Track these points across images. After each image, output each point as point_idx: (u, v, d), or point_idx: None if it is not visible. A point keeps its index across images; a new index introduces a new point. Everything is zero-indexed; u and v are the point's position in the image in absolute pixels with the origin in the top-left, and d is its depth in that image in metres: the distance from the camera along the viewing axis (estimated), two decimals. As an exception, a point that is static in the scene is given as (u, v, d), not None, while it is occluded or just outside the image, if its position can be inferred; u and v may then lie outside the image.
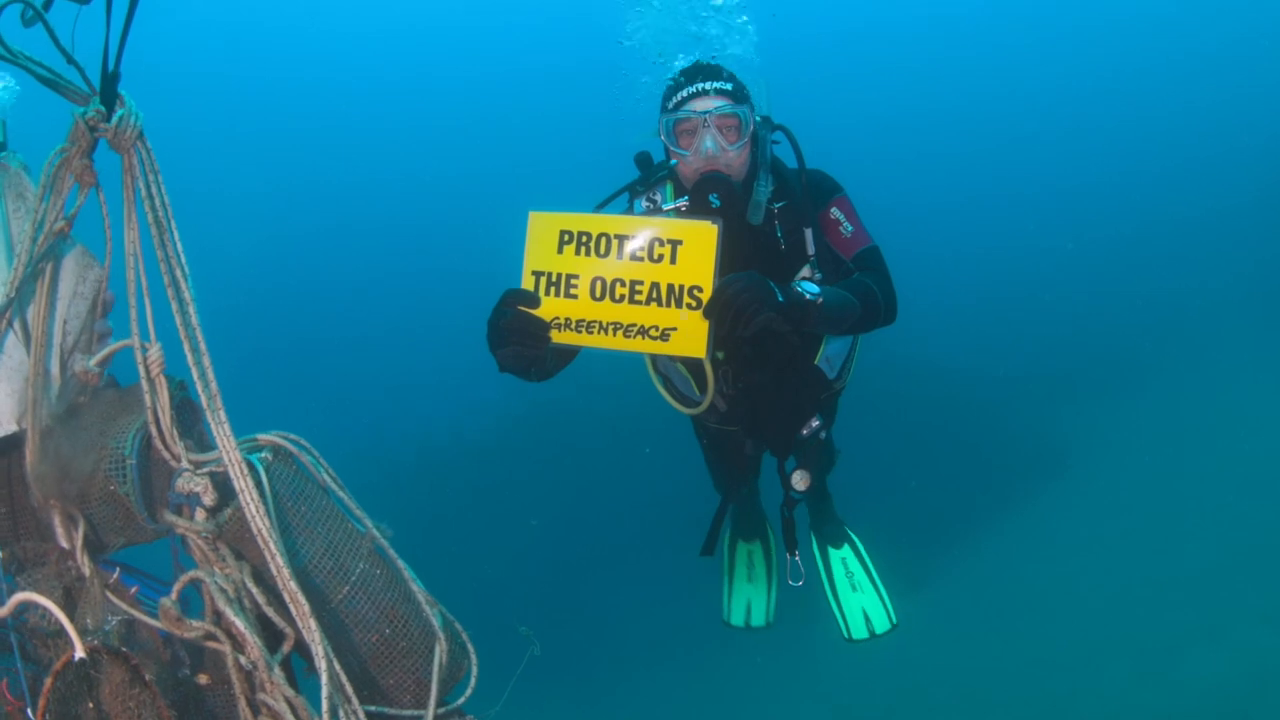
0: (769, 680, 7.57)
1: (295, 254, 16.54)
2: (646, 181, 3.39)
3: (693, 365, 3.36)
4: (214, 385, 1.72)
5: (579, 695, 7.53)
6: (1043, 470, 8.82)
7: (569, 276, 2.74)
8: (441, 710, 1.86)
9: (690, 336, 2.67)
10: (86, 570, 1.78)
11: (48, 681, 1.60)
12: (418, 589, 1.91)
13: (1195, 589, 6.41)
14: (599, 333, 2.73)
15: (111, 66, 1.91)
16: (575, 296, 2.73)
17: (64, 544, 1.80)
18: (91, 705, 1.68)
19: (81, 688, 1.66)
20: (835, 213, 3.33)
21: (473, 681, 1.92)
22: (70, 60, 1.93)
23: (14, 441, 1.83)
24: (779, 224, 3.29)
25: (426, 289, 15.39)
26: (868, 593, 4.49)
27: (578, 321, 2.73)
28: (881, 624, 4.45)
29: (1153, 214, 14.36)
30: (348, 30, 20.81)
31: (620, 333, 2.70)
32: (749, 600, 4.79)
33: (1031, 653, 6.52)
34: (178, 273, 1.75)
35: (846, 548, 4.53)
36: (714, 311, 2.65)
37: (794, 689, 7.44)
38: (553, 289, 2.75)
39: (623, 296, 2.69)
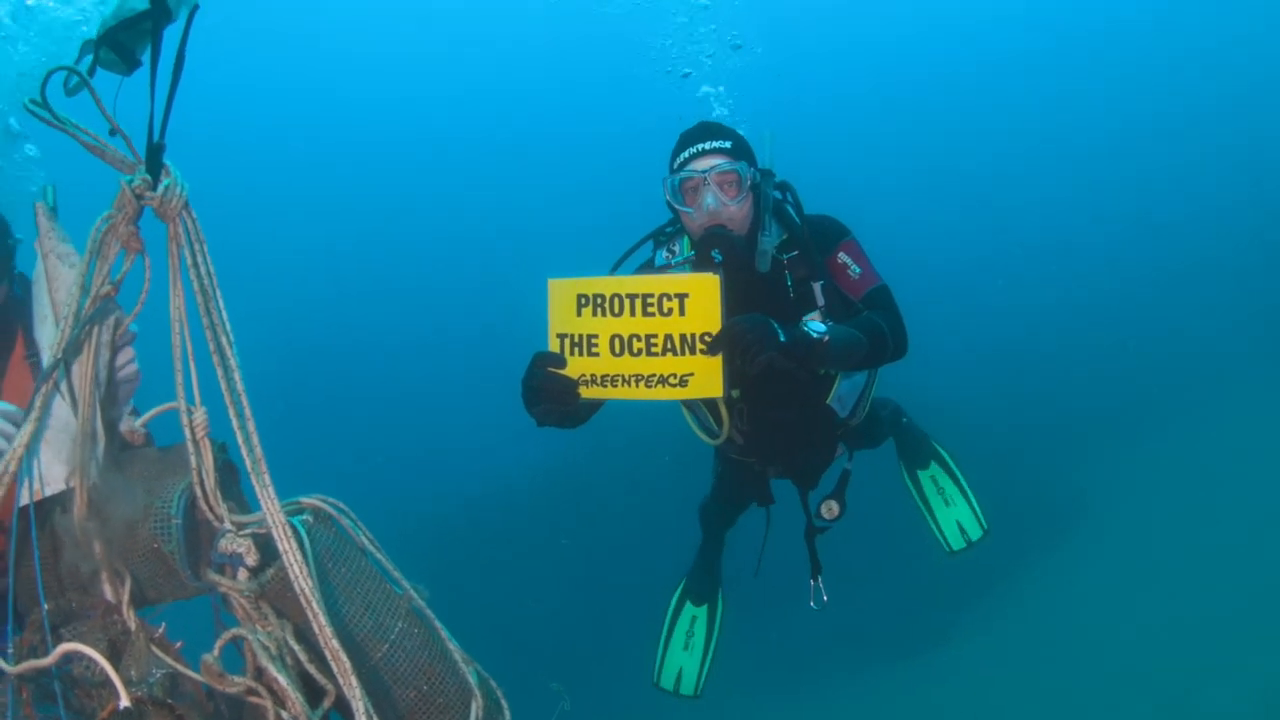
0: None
1: (326, 316, 16.84)
2: (661, 235, 3.55)
3: (709, 402, 3.48)
4: (258, 449, 1.78)
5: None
6: (1061, 515, 8.82)
7: (589, 336, 2.88)
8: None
9: (707, 379, 2.82)
10: (132, 624, 1.83)
11: (94, 735, 1.66)
12: (453, 647, 1.95)
13: (1216, 627, 6.42)
14: (623, 385, 2.87)
15: (157, 137, 1.98)
16: (597, 354, 2.88)
17: (110, 598, 1.85)
18: (137, 758, 1.73)
19: (126, 741, 1.71)
20: (843, 257, 3.42)
21: (506, 735, 1.97)
22: (116, 129, 2.00)
23: (61, 499, 1.89)
24: (789, 273, 3.38)
25: (459, 350, 15.64)
26: (960, 505, 4.67)
27: (602, 377, 2.88)
28: (975, 532, 4.66)
29: (1169, 252, 14.31)
30: (385, 99, 21.16)
31: (642, 383, 2.85)
32: (681, 667, 4.80)
33: (1054, 694, 6.52)
34: (223, 339, 1.81)
35: (934, 465, 4.66)
36: (719, 349, 2.79)
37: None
38: (576, 349, 2.89)
39: (640, 350, 2.84)
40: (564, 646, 9.06)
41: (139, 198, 1.87)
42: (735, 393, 3.46)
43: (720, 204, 3.20)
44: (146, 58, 2.12)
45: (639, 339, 2.84)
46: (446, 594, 2.00)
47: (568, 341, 2.91)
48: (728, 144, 3.29)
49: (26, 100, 2.05)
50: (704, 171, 3.21)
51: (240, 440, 1.77)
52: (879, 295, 3.40)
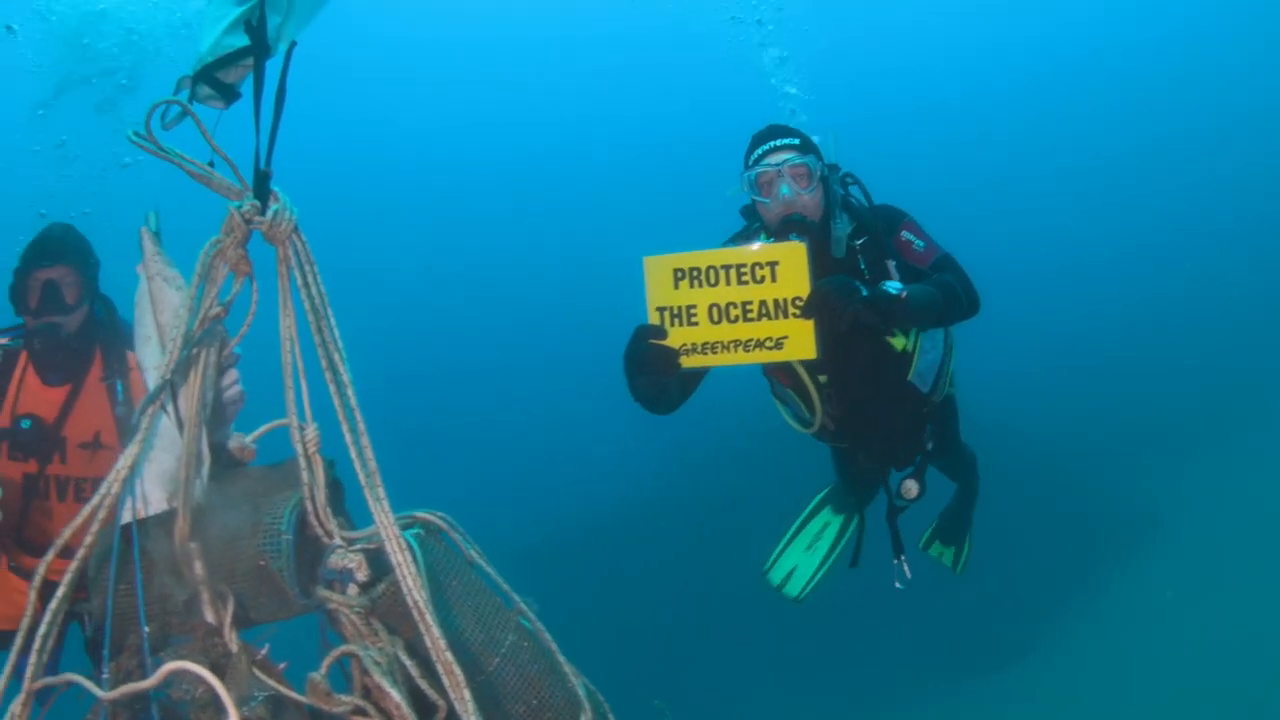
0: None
1: (427, 333, 17.21)
2: (746, 232, 3.82)
3: (800, 389, 3.75)
4: (372, 464, 1.79)
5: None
6: (1133, 525, 8.81)
7: (688, 307, 3.13)
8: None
9: (800, 340, 3.05)
10: (233, 646, 1.82)
11: (205, 754, 1.63)
12: (562, 660, 1.95)
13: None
14: (722, 351, 3.11)
15: (263, 164, 2.04)
16: (696, 323, 3.13)
17: (211, 620, 1.84)
18: (244, 778, 1.71)
19: (234, 761, 1.69)
20: (905, 235, 3.70)
21: (612, 752, 1.95)
22: (223, 157, 2.06)
23: (164, 519, 1.89)
24: (862, 258, 3.63)
25: (560, 367, 15.94)
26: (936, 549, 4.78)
27: (703, 345, 3.13)
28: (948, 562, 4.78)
29: (1241, 259, 14.26)
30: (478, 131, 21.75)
31: (740, 348, 3.11)
32: (796, 566, 4.77)
33: (1133, 710, 6.47)
34: (335, 356, 1.83)
35: (952, 550, 4.73)
36: (810, 310, 3.03)
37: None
38: (676, 320, 3.15)
39: (737, 317, 3.09)
40: (667, 663, 9.11)
41: (248, 222, 1.92)
42: (823, 378, 3.71)
43: (795, 193, 3.49)
44: (245, 90, 2.20)
45: (735, 306, 3.08)
46: (552, 607, 2.00)
47: (667, 314, 3.15)
48: (796, 140, 3.61)
49: (130, 132, 2.11)
50: (778, 164, 3.53)
51: (354, 455, 1.79)
52: (945, 261, 3.68)
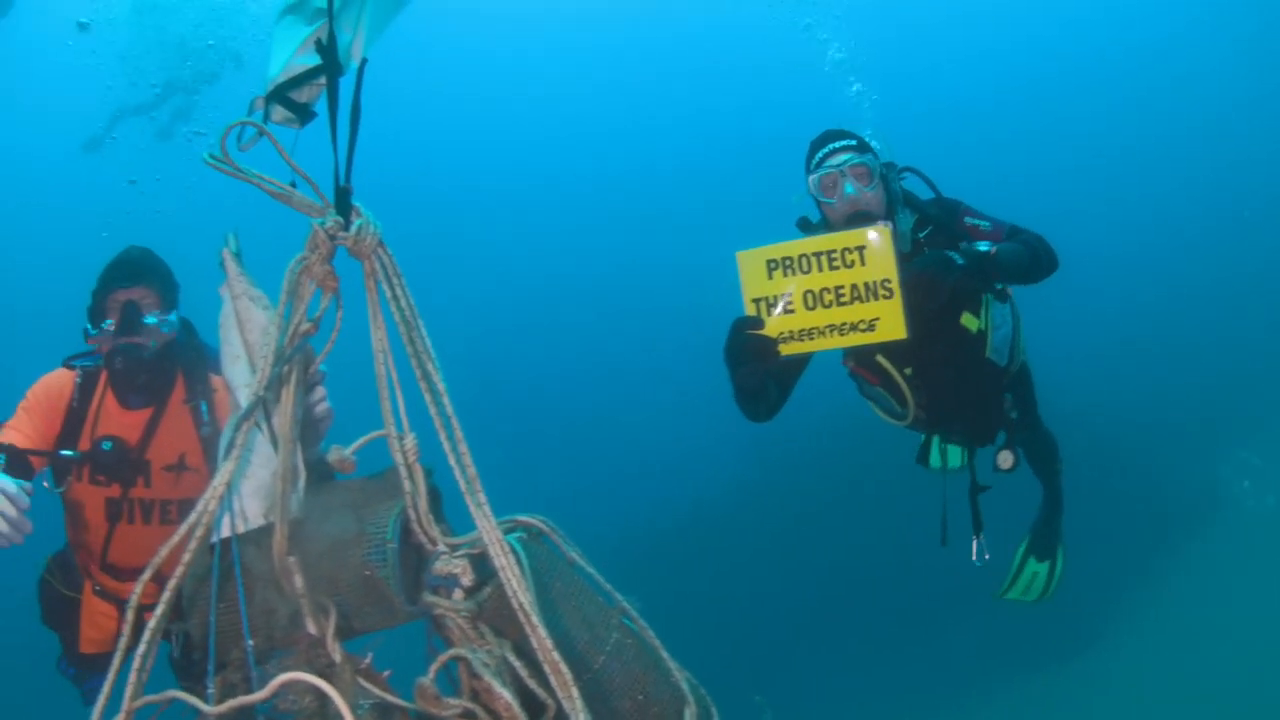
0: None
1: (512, 341, 17.54)
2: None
3: (890, 385, 3.90)
4: (472, 470, 1.81)
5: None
6: (1195, 511, 8.81)
7: (783, 295, 3.23)
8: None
9: (891, 321, 3.14)
10: (337, 657, 1.83)
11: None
12: (666, 655, 1.96)
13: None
14: (819, 336, 3.22)
15: (343, 181, 2.07)
16: (792, 311, 3.23)
17: (313, 632, 1.86)
18: (355, 787, 1.72)
19: (347, 769, 1.70)
20: (969, 220, 3.80)
21: (716, 746, 1.96)
22: (303, 176, 2.08)
23: (262, 535, 1.91)
24: (928, 249, 3.69)
25: (650, 368, 16.20)
26: (1033, 597, 4.73)
27: (800, 331, 3.23)
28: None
29: None
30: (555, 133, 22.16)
31: (835, 332, 3.20)
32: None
33: (1207, 693, 6.44)
34: (429, 365, 1.85)
35: (1046, 565, 4.67)
36: (914, 291, 3.19)
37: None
38: (772, 309, 3.24)
39: (831, 301, 3.19)
40: (765, 660, 9.24)
41: (332, 238, 1.95)
42: (908, 370, 3.84)
43: (858, 190, 3.62)
44: (319, 108, 2.24)
45: (829, 291, 3.19)
46: (652, 605, 2.01)
47: (763, 304, 3.25)
48: (853, 142, 3.75)
49: (206, 155, 2.14)
50: (839, 164, 3.66)
51: (453, 462, 1.81)
52: (1016, 229, 3.81)
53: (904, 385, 3.80)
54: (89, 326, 3.47)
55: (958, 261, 3.30)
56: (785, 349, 3.25)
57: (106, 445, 3.42)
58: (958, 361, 3.87)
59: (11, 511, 2.82)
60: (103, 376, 3.51)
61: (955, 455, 4.39)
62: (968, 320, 3.81)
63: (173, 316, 3.50)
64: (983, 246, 3.45)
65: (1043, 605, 4.76)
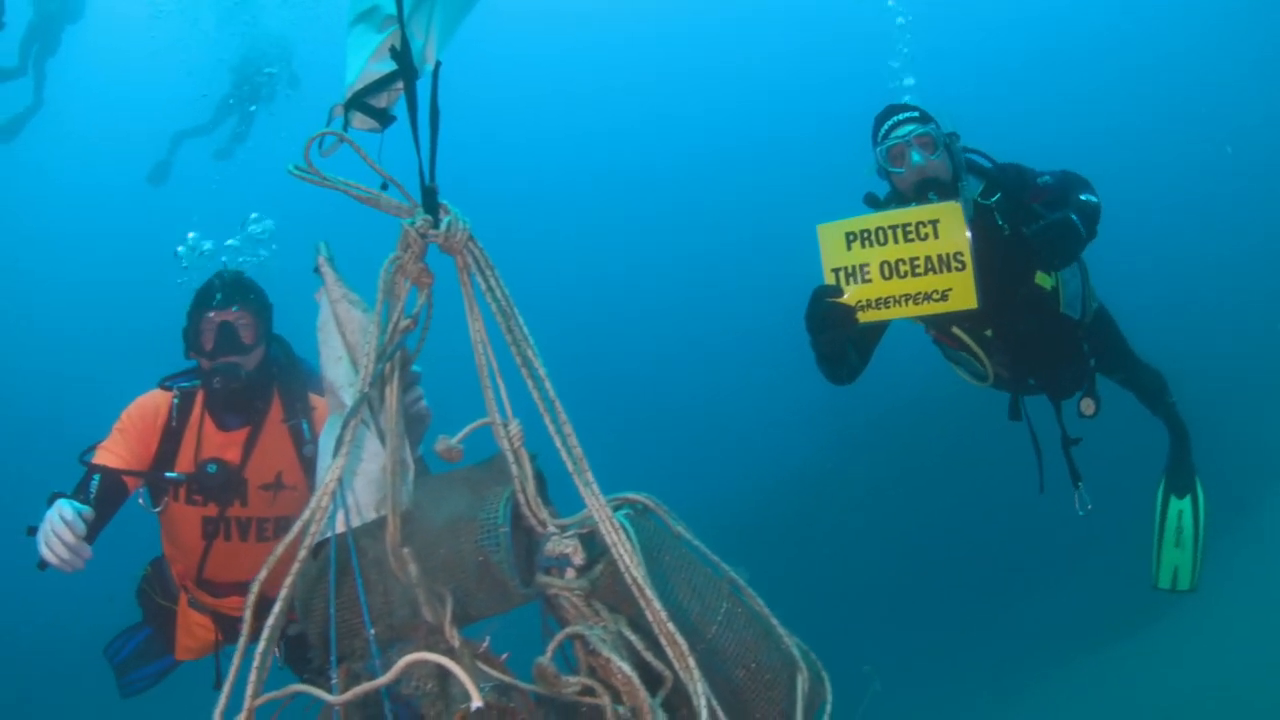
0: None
1: (601, 325, 18.15)
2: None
3: (970, 348, 4.05)
4: (578, 450, 1.85)
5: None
6: (1256, 481, 8.73)
7: (861, 266, 3.39)
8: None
9: (962, 291, 3.31)
10: (455, 642, 1.88)
11: (449, 740, 1.68)
12: (776, 623, 1.99)
13: None
14: (895, 305, 3.37)
15: (429, 181, 2.12)
16: (869, 280, 3.39)
17: (430, 619, 1.91)
18: (482, 764, 1.75)
19: (473, 747, 1.74)
20: (1037, 182, 3.94)
21: (829, 709, 1.98)
22: (389, 179, 2.14)
23: (375, 528, 1.97)
24: (998, 214, 3.88)
25: (737, 345, 16.57)
26: (1186, 552, 4.73)
27: (876, 300, 3.39)
28: (1184, 584, 4.73)
29: None
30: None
31: (910, 301, 3.36)
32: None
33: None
34: (528, 351, 1.89)
35: (1188, 501, 4.71)
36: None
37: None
38: (851, 279, 3.41)
39: (906, 272, 3.35)
40: (870, 628, 9.39)
41: (423, 236, 2.00)
42: (988, 332, 4.02)
43: (925, 159, 3.79)
44: (399, 112, 2.29)
45: (904, 262, 3.36)
46: (759, 575, 2.04)
47: (842, 274, 3.42)
48: (915, 114, 3.93)
49: (291, 166, 2.21)
50: (904, 135, 3.84)
51: (559, 444, 1.85)
52: (1068, 177, 3.98)
53: (980, 350, 3.96)
54: (186, 349, 3.54)
55: (1080, 229, 3.53)
56: (863, 316, 3.41)
57: (212, 469, 3.47)
58: (1035, 320, 4.01)
59: (69, 537, 2.88)
60: (199, 397, 3.57)
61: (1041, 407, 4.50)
62: (1041, 279, 3.95)
63: (267, 337, 3.55)
64: (1089, 197, 3.68)
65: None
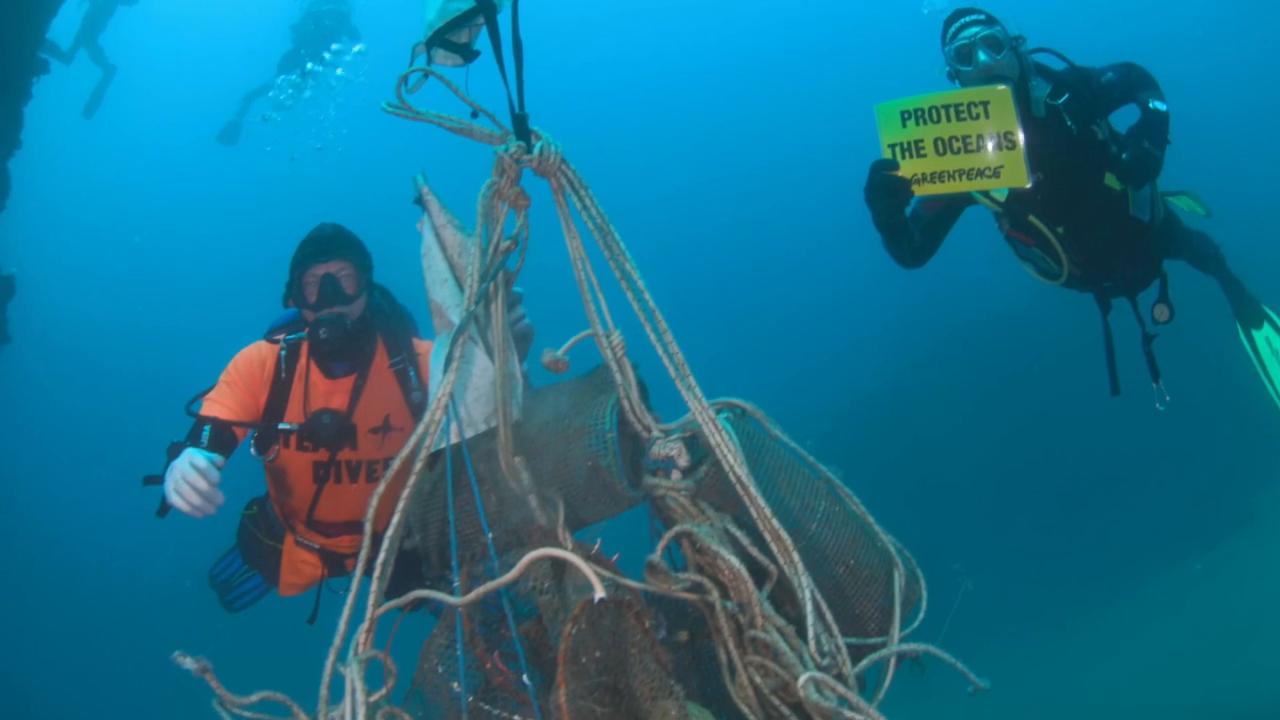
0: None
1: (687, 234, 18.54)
2: None
3: (1044, 244, 4.16)
4: (678, 356, 1.92)
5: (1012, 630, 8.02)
6: None
7: (916, 142, 3.52)
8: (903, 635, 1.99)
9: (1013, 170, 3.39)
10: (569, 544, 1.99)
11: (568, 627, 1.77)
12: (872, 521, 2.06)
13: None
14: (948, 180, 3.49)
15: (518, 109, 2.19)
16: (924, 155, 3.52)
17: (543, 523, 2.02)
18: (598, 654, 1.86)
19: (589, 638, 1.84)
20: (1104, 79, 4.02)
21: (924, 605, 2.05)
22: (480, 110, 2.22)
23: (487, 439, 2.08)
24: (1066, 115, 3.95)
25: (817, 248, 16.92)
26: None
27: (931, 174, 3.50)
28: None
29: None
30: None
31: (963, 176, 3.45)
32: None
33: None
34: (626, 265, 1.97)
35: (1266, 325, 4.81)
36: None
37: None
38: (906, 154, 3.54)
39: (959, 149, 3.46)
40: (961, 528, 9.62)
41: (517, 162, 2.08)
42: (1060, 229, 4.11)
43: (990, 58, 3.90)
44: (481, 45, 2.35)
45: (957, 139, 3.45)
46: (852, 475, 2.11)
47: (898, 149, 3.56)
48: (982, 16, 4.04)
49: (384, 104, 2.30)
50: (971, 36, 3.96)
51: (660, 351, 1.93)
52: (1131, 75, 4.05)
53: (1056, 243, 4.04)
54: (289, 301, 3.63)
55: (1159, 160, 3.69)
56: (918, 189, 3.56)
57: (326, 419, 3.57)
58: (1105, 221, 4.11)
59: (203, 484, 2.97)
60: (304, 348, 3.65)
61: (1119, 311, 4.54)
62: (1110, 181, 4.03)
63: (368, 286, 3.63)
64: (1158, 104, 3.80)
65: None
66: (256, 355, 3.67)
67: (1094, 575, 8.90)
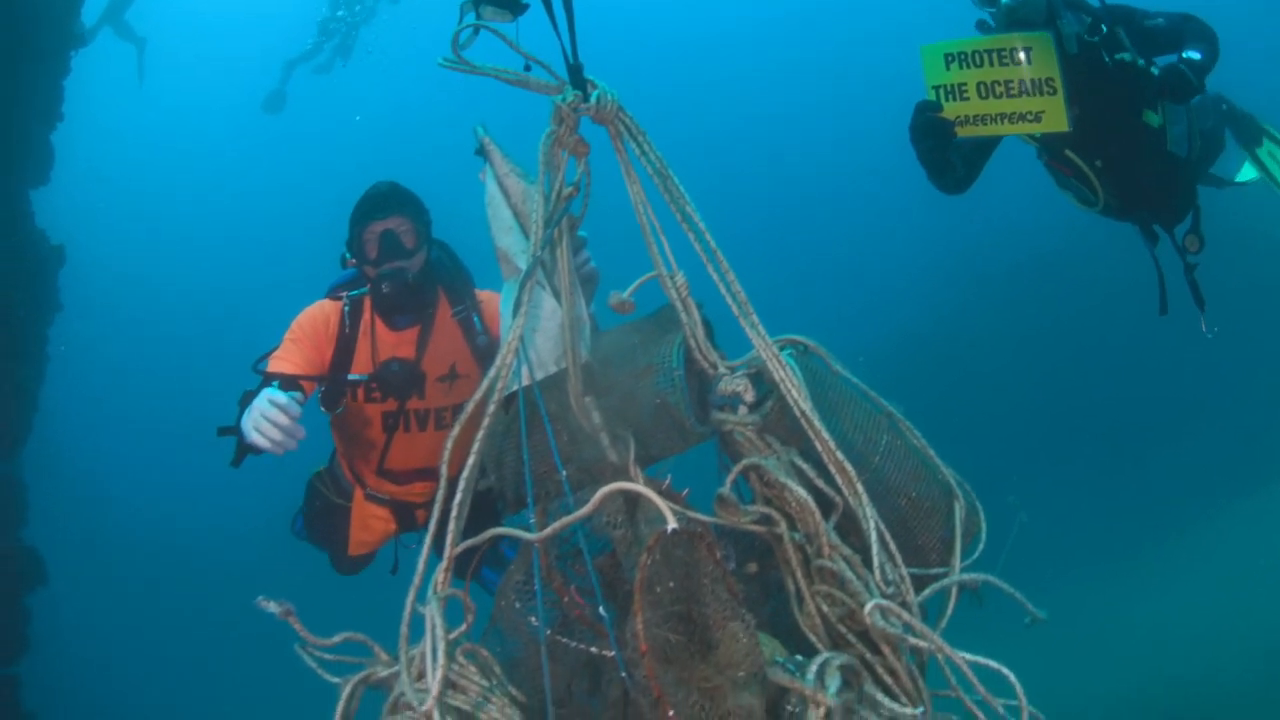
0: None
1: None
2: None
3: (1080, 175, 4.18)
4: (741, 295, 1.97)
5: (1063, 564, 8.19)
6: None
7: (959, 85, 3.61)
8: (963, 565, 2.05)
9: (1053, 115, 3.49)
10: (640, 481, 2.05)
11: (643, 557, 1.84)
12: (933, 454, 2.11)
13: None
14: (990, 123, 3.58)
15: (573, 59, 2.22)
16: (967, 98, 3.60)
17: (614, 460, 2.08)
18: (672, 584, 1.93)
19: (663, 568, 1.91)
20: (1147, 23, 3.99)
21: (983, 537, 2.10)
22: (535, 61, 2.25)
23: (557, 381, 2.14)
24: (1104, 51, 3.88)
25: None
26: None
27: (974, 116, 3.60)
28: None
29: None
30: None
31: (1005, 120, 3.56)
32: None
33: None
34: (686, 208, 2.01)
35: (1266, 141, 4.85)
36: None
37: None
38: (950, 96, 3.62)
39: (1001, 93, 3.55)
40: (1017, 463, 9.76)
41: (575, 110, 2.11)
42: (1098, 162, 4.13)
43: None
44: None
45: (999, 84, 3.54)
46: (912, 411, 2.15)
47: (942, 91, 3.64)
48: None
49: (440, 59, 2.33)
50: None
51: (723, 290, 1.97)
52: (1185, 26, 4.01)
53: (1093, 176, 4.08)
54: (347, 261, 3.70)
55: (1193, 81, 3.62)
56: (961, 131, 3.63)
57: (395, 367, 3.65)
58: (1142, 155, 4.09)
59: (284, 419, 3.03)
60: (367, 302, 3.72)
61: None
62: (1148, 117, 3.99)
63: (428, 241, 3.70)
64: (1192, 54, 3.73)
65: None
66: (320, 313, 3.75)
67: (1147, 512, 8.88)
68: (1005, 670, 1.88)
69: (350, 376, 3.68)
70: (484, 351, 3.68)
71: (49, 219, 9.35)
